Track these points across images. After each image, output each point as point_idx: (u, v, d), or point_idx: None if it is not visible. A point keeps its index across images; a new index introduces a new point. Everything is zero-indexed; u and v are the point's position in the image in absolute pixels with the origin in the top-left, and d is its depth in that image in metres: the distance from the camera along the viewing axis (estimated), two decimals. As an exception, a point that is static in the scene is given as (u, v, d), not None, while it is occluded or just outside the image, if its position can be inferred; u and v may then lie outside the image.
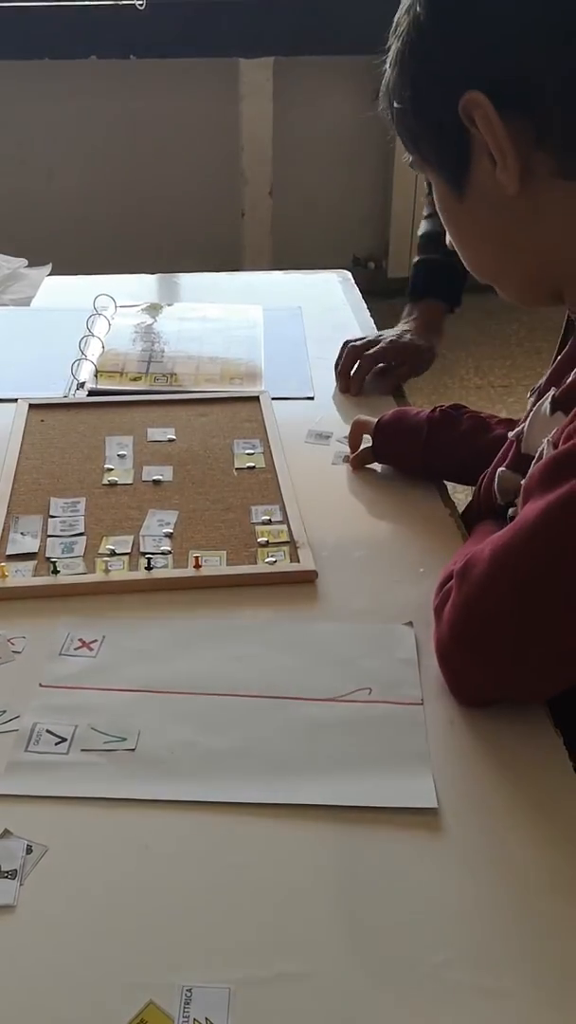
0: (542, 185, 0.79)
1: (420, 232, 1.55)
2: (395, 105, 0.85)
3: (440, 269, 1.52)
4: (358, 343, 1.47)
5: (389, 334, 1.50)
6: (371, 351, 1.45)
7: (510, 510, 0.98)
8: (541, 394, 0.95)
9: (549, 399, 0.91)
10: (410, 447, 1.21)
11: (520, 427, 0.98)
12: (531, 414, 0.96)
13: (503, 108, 0.76)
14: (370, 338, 1.48)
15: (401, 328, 1.51)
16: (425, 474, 1.22)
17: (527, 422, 0.96)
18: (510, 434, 1.01)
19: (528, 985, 0.67)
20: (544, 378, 0.97)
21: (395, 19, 0.84)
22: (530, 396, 0.98)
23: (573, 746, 0.85)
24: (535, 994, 0.67)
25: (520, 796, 0.81)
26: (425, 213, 1.54)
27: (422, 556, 1.09)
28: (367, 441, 1.26)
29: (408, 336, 1.49)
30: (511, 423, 1.12)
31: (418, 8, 0.80)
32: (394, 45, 0.83)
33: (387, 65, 0.85)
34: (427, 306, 1.55)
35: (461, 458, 1.18)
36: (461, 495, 2.85)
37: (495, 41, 0.76)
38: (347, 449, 1.28)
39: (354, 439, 1.27)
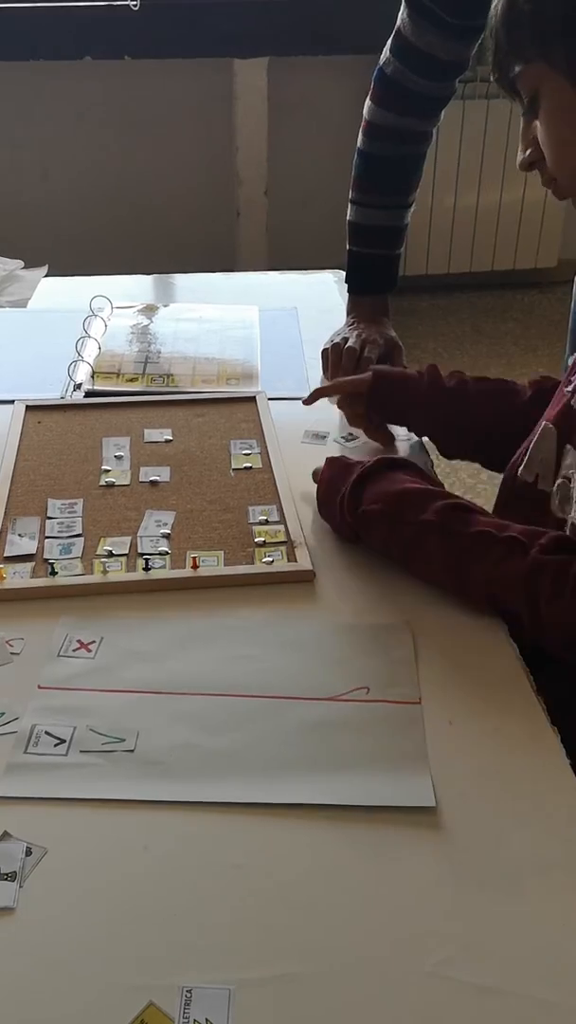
0: None
1: (349, 220, 1.55)
2: (526, 10, 0.92)
3: (378, 262, 1.55)
4: (338, 341, 1.47)
5: (351, 332, 1.50)
6: (351, 343, 1.45)
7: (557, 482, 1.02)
8: None
9: None
10: (405, 392, 1.26)
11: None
12: None
13: None
14: (337, 340, 1.48)
15: (360, 325, 1.51)
16: (427, 416, 1.26)
17: None
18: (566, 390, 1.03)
19: (526, 983, 0.68)
20: None
21: None
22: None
23: (570, 744, 0.86)
24: (533, 992, 0.67)
25: (517, 794, 0.81)
26: (351, 197, 1.54)
27: (419, 555, 1.09)
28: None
29: (373, 331, 1.49)
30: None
31: None
32: None
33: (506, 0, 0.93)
34: (372, 300, 1.56)
35: (455, 407, 1.24)
36: (459, 491, 2.84)
37: None
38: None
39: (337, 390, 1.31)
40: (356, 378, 1.31)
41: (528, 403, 1.20)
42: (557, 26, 0.92)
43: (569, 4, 0.90)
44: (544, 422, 1.05)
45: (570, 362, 1.07)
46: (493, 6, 0.97)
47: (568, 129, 0.96)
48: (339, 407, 1.32)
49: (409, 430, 1.30)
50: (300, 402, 1.36)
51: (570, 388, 1.00)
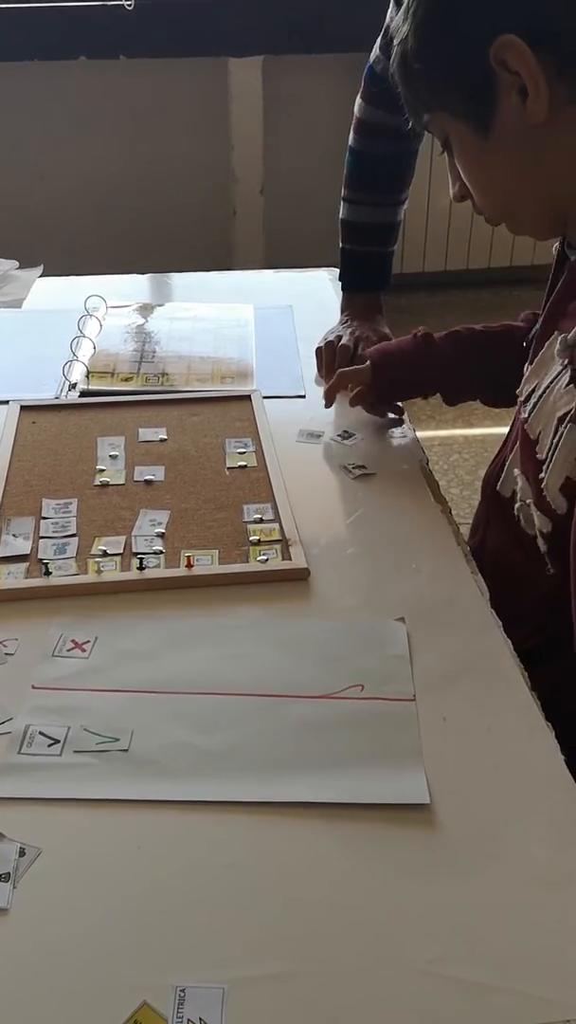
0: (561, 113, 0.89)
1: (342, 218, 1.55)
2: (416, 68, 0.93)
3: (371, 259, 1.56)
4: (331, 339, 1.48)
5: (345, 329, 1.50)
6: (345, 341, 1.46)
7: (516, 505, 1.04)
8: (541, 340, 0.99)
9: (559, 344, 0.94)
10: (409, 369, 1.30)
11: (528, 395, 1.00)
12: (538, 381, 0.98)
13: (534, 47, 0.86)
14: (331, 338, 1.49)
15: (354, 323, 1.52)
16: (429, 376, 1.30)
17: (536, 399, 0.97)
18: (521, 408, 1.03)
19: (520, 980, 0.68)
20: (539, 322, 1.04)
21: (403, 9, 0.92)
22: (527, 344, 1.04)
23: (565, 741, 0.86)
24: (526, 989, 0.67)
25: (512, 791, 0.81)
26: (343, 195, 1.54)
27: (414, 552, 1.09)
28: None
29: (367, 328, 1.50)
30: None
31: None
32: (406, 17, 0.92)
33: (399, 39, 0.93)
34: (365, 298, 1.57)
35: (455, 363, 1.29)
36: (456, 490, 2.83)
37: None
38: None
39: (341, 385, 1.34)
40: (355, 369, 1.34)
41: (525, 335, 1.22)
42: (448, 77, 0.92)
43: (454, 54, 0.91)
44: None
45: (526, 369, 1.06)
46: (391, 60, 0.97)
47: (479, 170, 0.98)
48: (351, 404, 1.34)
49: (423, 397, 1.37)
50: (297, 400, 1.37)
51: (526, 411, 1.00)
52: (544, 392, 0.95)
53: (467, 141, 0.96)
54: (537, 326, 1.05)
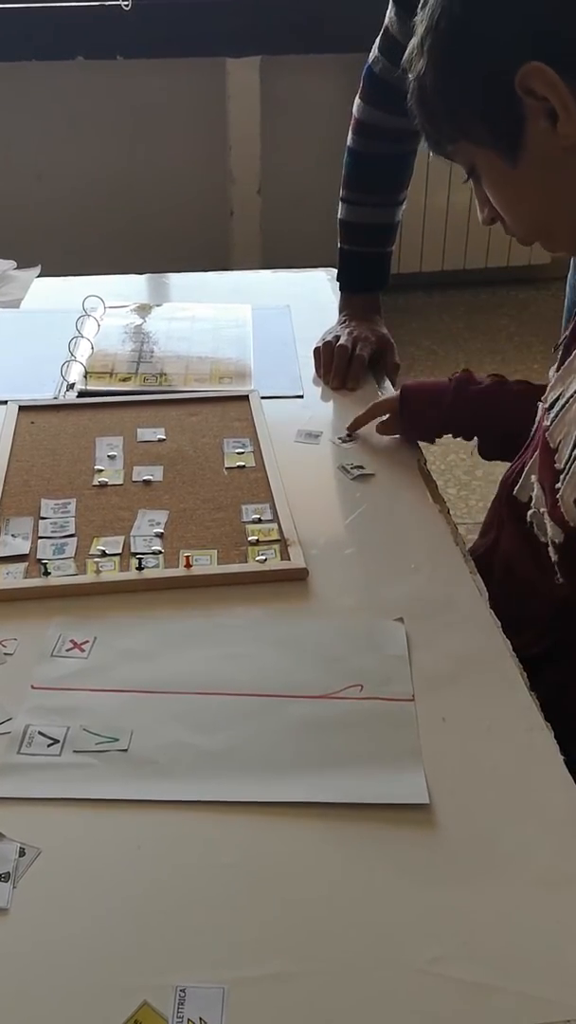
0: None
1: (340, 218, 1.55)
2: (437, 102, 0.92)
3: (370, 260, 1.56)
4: (329, 339, 1.48)
5: (343, 330, 1.50)
6: (343, 341, 1.46)
7: (530, 511, 1.03)
8: (569, 349, 0.97)
9: None
10: (436, 405, 1.27)
11: (546, 409, 0.99)
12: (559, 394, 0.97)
13: (561, 71, 0.84)
14: (329, 338, 1.49)
15: (352, 323, 1.52)
16: (452, 427, 1.28)
17: (559, 408, 0.97)
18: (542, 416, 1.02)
19: (519, 980, 0.68)
20: (568, 330, 1.01)
21: (414, 30, 0.91)
22: (555, 351, 1.03)
23: (564, 741, 0.86)
24: (526, 989, 0.67)
25: (511, 791, 0.81)
26: (342, 196, 1.54)
27: (412, 553, 1.09)
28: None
29: (365, 328, 1.50)
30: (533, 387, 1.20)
31: (455, 8, 0.87)
32: (420, 51, 0.90)
33: (415, 73, 0.92)
34: (363, 298, 1.57)
35: (487, 411, 1.25)
36: (452, 490, 2.84)
37: (541, 13, 0.85)
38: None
39: (372, 415, 1.32)
40: (386, 399, 1.32)
41: None
42: (471, 109, 0.91)
43: (476, 87, 0.89)
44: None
45: (551, 375, 1.06)
46: (409, 93, 0.95)
47: (510, 195, 0.96)
48: (378, 431, 1.31)
49: (453, 436, 1.31)
50: (295, 400, 1.37)
51: (548, 419, 1.00)
52: (568, 401, 0.95)
53: (495, 169, 0.94)
54: (566, 334, 1.04)
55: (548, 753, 0.84)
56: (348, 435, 1.31)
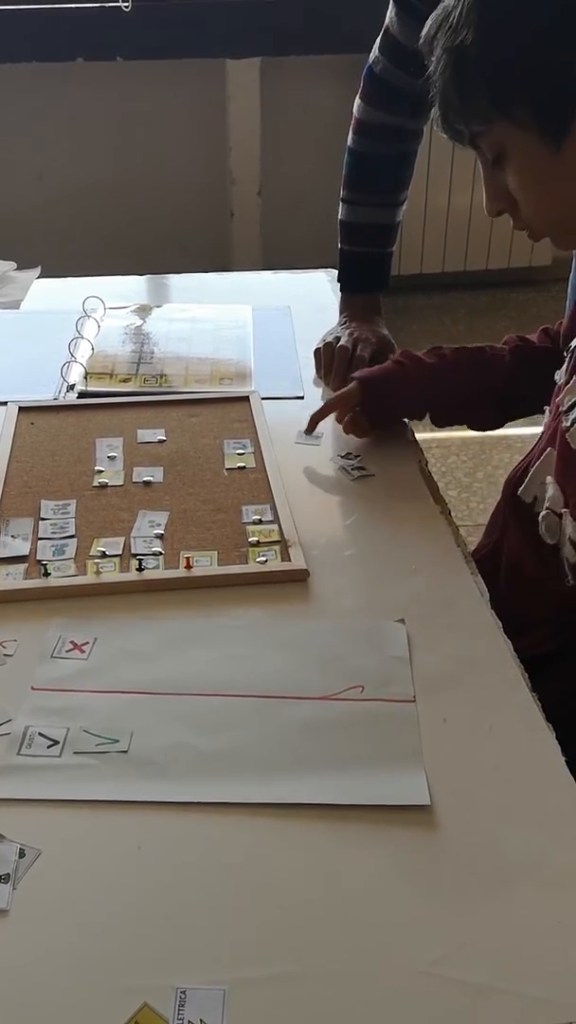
0: None
1: (341, 219, 1.55)
2: (478, 73, 0.88)
3: (370, 260, 1.56)
4: (330, 340, 1.47)
5: (343, 331, 1.50)
6: (343, 342, 1.46)
7: (541, 512, 1.03)
8: None
9: None
10: (399, 389, 1.27)
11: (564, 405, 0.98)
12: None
13: None
14: (329, 339, 1.48)
15: (353, 324, 1.52)
16: (419, 402, 1.28)
17: (574, 414, 0.97)
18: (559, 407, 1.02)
19: (520, 982, 0.67)
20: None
21: (446, 15, 0.88)
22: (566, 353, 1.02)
23: (566, 742, 0.85)
24: (527, 991, 0.67)
25: (513, 792, 0.81)
26: (342, 196, 1.54)
27: (413, 553, 1.09)
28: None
29: (365, 329, 1.49)
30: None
31: None
32: (461, 19, 0.87)
33: (452, 41, 0.88)
34: (364, 299, 1.57)
35: (442, 387, 1.26)
36: (453, 492, 2.83)
37: None
38: (316, 434, 1.32)
39: (328, 411, 1.31)
40: (344, 392, 1.30)
41: (509, 363, 1.25)
42: (519, 85, 0.87)
43: (528, 56, 0.86)
44: (548, 448, 1.04)
45: (557, 379, 1.06)
46: (433, 66, 0.91)
47: (544, 183, 0.93)
48: (339, 422, 1.31)
49: (408, 419, 1.32)
50: (295, 401, 1.37)
51: (568, 421, 0.99)
52: None
53: (532, 154, 0.91)
54: None
55: (549, 754, 0.84)
56: (308, 432, 1.31)
